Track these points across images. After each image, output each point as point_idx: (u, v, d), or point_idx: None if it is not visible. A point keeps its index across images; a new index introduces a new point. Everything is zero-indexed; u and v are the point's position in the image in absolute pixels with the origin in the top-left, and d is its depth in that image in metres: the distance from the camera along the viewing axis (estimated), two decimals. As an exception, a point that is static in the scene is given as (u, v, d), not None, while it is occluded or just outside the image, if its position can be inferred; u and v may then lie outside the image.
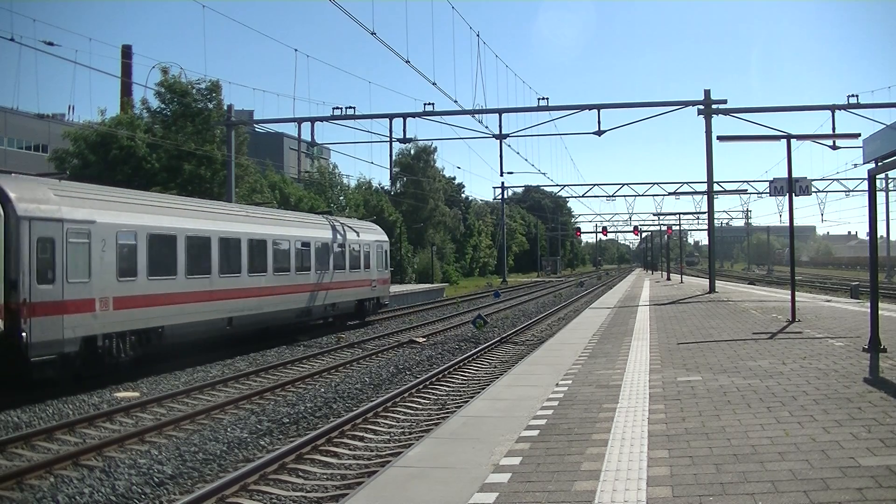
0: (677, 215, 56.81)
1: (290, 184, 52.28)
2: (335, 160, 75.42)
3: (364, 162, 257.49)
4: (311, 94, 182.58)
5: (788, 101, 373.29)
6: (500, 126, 28.75)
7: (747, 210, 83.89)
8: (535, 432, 6.90)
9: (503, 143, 29.48)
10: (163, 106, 35.79)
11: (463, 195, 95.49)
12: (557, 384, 9.51)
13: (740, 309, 21.56)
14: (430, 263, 62.76)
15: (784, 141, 16.88)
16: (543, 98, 28.25)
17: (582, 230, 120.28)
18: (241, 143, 35.55)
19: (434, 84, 25.90)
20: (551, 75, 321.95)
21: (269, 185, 45.45)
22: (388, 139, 28.48)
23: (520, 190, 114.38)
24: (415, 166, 75.05)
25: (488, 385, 11.60)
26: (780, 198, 44.90)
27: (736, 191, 59.49)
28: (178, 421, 11.10)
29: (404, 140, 28.94)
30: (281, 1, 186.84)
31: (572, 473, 5.52)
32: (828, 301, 25.89)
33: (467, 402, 10.40)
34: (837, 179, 61.35)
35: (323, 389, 13.87)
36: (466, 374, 15.57)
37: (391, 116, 28.17)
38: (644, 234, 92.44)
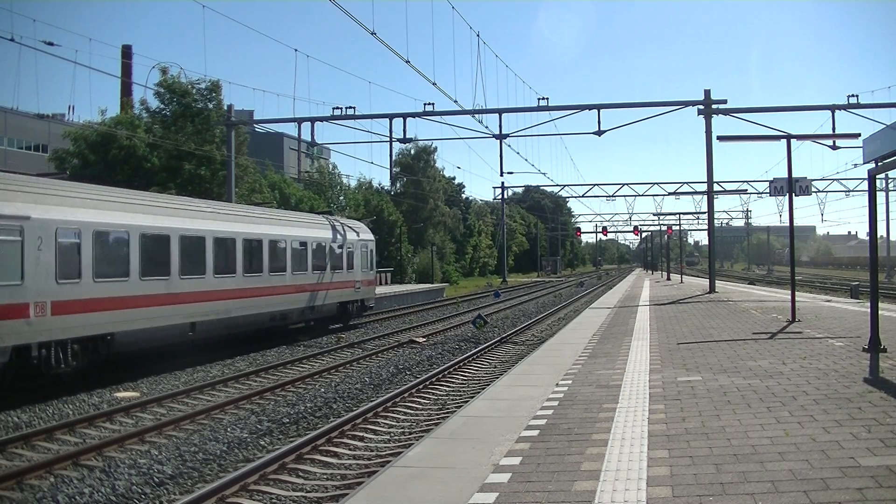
0: (677, 215, 56.84)
1: (290, 184, 52.30)
2: (335, 160, 75.48)
3: (364, 162, 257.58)
4: (311, 94, 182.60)
5: (788, 101, 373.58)
6: (500, 126, 28.79)
7: (747, 210, 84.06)
8: (535, 432, 6.90)
9: (503, 143, 29.50)
10: (162, 106, 35.81)
11: (463, 195, 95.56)
12: (557, 384, 9.50)
13: (740, 309, 21.56)
14: (430, 263, 62.76)
15: (784, 141, 16.88)
16: (543, 98, 28.29)
17: (582, 230, 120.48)
18: (241, 144, 35.57)
19: (434, 84, 25.96)
20: (551, 75, 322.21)
21: (269, 185, 45.45)
22: (388, 139, 28.50)
23: (520, 190, 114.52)
24: (415, 166, 75.09)
25: (488, 385, 11.59)
26: (780, 198, 44.94)
27: (736, 191, 59.54)
28: (178, 421, 11.09)
29: (404, 140, 28.95)
30: (281, 1, 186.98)
31: (572, 473, 5.52)
32: (828, 301, 25.89)
33: (467, 402, 10.39)
34: (837, 179, 61.44)
35: (323, 389, 13.86)
36: (466, 374, 15.57)
37: (391, 116, 28.18)
38: (644, 234, 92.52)
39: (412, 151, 74.86)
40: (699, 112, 28.32)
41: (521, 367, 11.84)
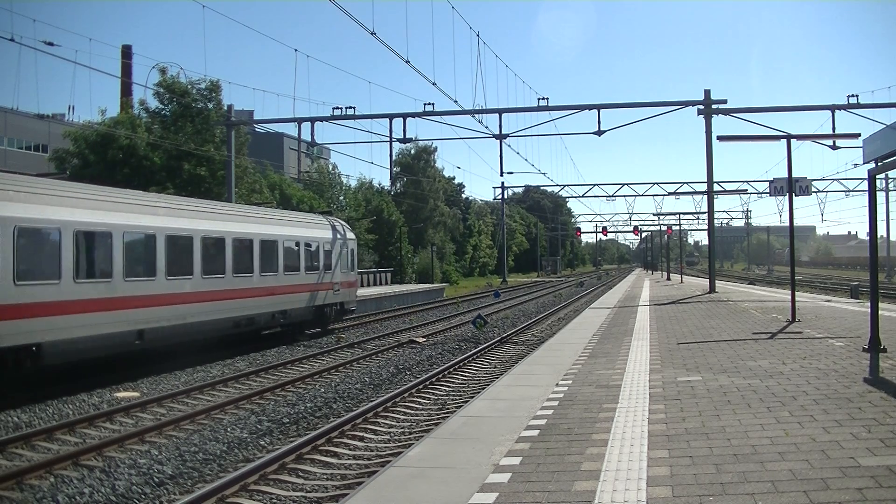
0: (677, 215, 56.85)
1: (289, 184, 52.31)
2: (335, 160, 75.51)
3: (364, 162, 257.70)
4: (311, 94, 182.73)
5: (788, 101, 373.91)
6: (500, 126, 28.79)
7: (747, 210, 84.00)
8: (535, 432, 6.90)
9: (503, 143, 29.51)
10: (161, 106, 35.82)
11: (463, 195, 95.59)
12: (557, 384, 9.50)
13: (740, 309, 21.56)
14: (430, 263, 62.77)
15: (784, 141, 16.88)
16: (543, 98, 28.29)
17: (582, 230, 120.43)
18: (241, 145, 35.58)
19: (434, 84, 25.94)
20: (551, 75, 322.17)
21: (269, 186, 45.45)
22: (388, 139, 28.50)
23: (520, 190, 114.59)
24: (415, 166, 75.13)
25: (488, 385, 11.60)
26: (780, 198, 44.92)
27: (736, 191, 59.54)
28: (178, 421, 11.09)
29: (404, 140, 28.94)
30: (281, 1, 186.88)
31: (572, 473, 5.52)
32: (828, 301, 25.89)
33: (467, 402, 10.39)
34: (837, 179, 61.39)
35: (323, 389, 13.87)
36: (466, 374, 15.57)
37: (391, 116, 28.18)
38: (644, 234, 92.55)
39: (412, 151, 74.94)
40: (699, 112, 28.32)
41: (521, 367, 11.84)
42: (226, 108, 32.35)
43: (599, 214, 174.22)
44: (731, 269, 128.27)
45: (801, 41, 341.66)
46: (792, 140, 16.87)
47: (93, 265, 14.32)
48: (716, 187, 35.24)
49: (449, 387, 14.16)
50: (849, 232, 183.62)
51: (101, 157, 32.89)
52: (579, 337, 15.49)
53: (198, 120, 35.05)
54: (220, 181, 33.55)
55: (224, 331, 18.28)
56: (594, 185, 61.67)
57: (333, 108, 28.42)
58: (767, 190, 44.93)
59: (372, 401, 12.45)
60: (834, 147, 26.71)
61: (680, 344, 13.29)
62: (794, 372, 9.53)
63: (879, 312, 11.23)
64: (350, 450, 9.65)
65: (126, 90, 43.38)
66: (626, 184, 60.25)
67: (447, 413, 11.22)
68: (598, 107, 27.98)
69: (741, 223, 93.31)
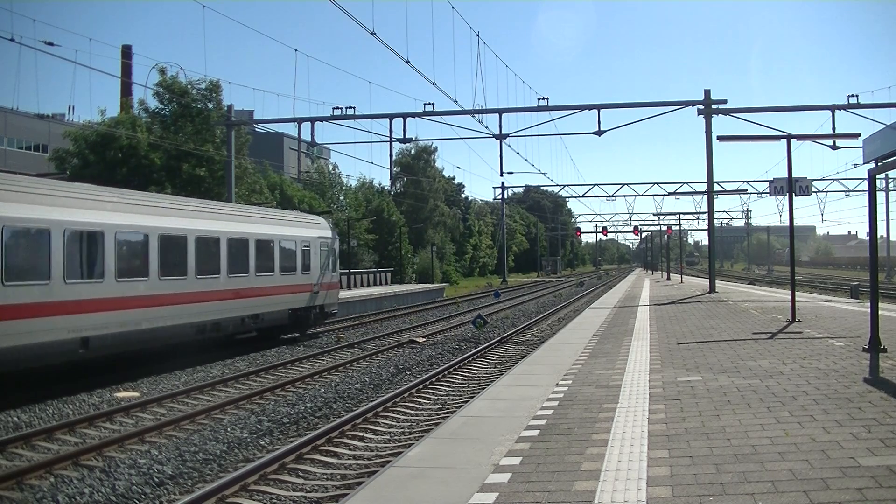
0: (677, 215, 56.92)
1: (289, 184, 52.32)
2: (335, 160, 75.50)
3: (364, 162, 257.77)
4: (311, 94, 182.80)
5: (788, 101, 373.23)
6: (500, 126, 28.80)
7: (747, 210, 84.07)
8: (535, 432, 6.90)
9: (503, 143, 29.52)
10: (161, 106, 35.82)
11: (463, 195, 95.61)
12: (557, 384, 9.50)
13: (740, 309, 21.56)
14: (430, 263, 62.78)
15: (784, 141, 16.88)
16: (543, 98, 28.30)
17: (582, 230, 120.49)
18: (242, 145, 35.58)
19: (434, 84, 25.98)
20: (551, 75, 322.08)
21: (269, 186, 45.46)
22: (388, 139, 28.51)
23: (520, 190, 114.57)
24: (415, 166, 75.13)
25: (488, 385, 11.60)
26: (780, 198, 44.94)
27: (736, 191, 59.58)
28: (178, 421, 11.09)
29: (404, 140, 28.95)
30: (281, 1, 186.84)
31: (572, 473, 5.52)
32: (828, 301, 25.89)
33: (467, 402, 10.40)
34: (837, 179, 61.50)
35: (323, 389, 13.87)
36: (466, 374, 15.57)
37: (391, 116, 28.19)
38: (644, 234, 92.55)
39: (412, 151, 74.94)
40: (699, 112, 28.33)
41: (521, 367, 11.85)
42: (226, 108, 32.37)
43: (599, 214, 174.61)
44: (731, 269, 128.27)
45: (801, 41, 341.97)
46: (792, 140, 16.87)
47: (27, 266, 12.84)
48: (716, 187, 35.25)
49: (449, 387, 14.16)
50: (849, 232, 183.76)
51: (101, 158, 32.89)
52: (579, 337, 15.50)
53: (198, 120, 35.05)
54: (220, 181, 33.56)
55: (186, 337, 16.77)
56: (594, 185, 61.78)
57: (333, 108, 28.46)
58: (767, 190, 44.95)
59: (372, 401, 12.45)
60: (834, 147, 26.74)
61: (680, 344, 13.29)
62: (794, 372, 9.53)
63: (879, 312, 11.22)
64: (350, 450, 9.65)
65: (126, 90, 43.39)
66: (626, 184, 60.36)
67: (447, 413, 11.23)
68: (598, 107, 27.99)
69: (741, 223, 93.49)
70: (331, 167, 64.83)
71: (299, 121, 28.90)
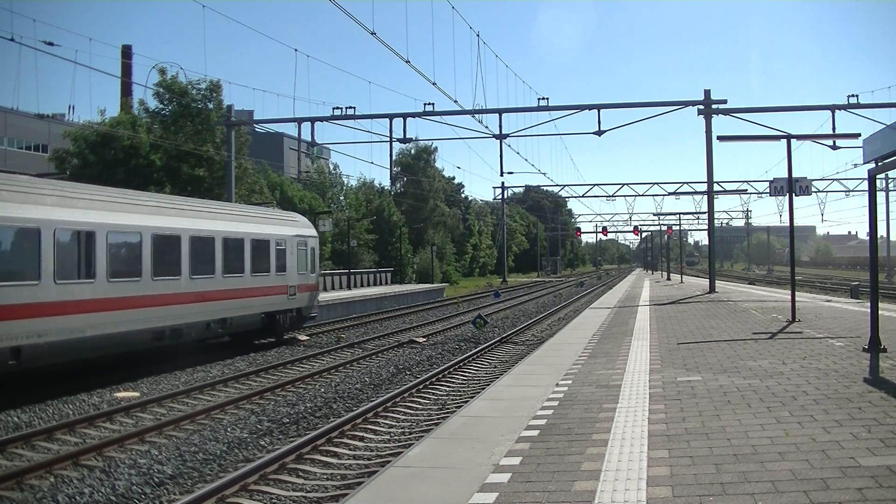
0: (677, 215, 56.92)
1: (289, 185, 52.32)
2: (336, 160, 75.50)
3: (364, 162, 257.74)
4: (311, 94, 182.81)
5: (788, 101, 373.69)
6: (500, 126, 28.81)
7: (747, 210, 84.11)
8: (535, 432, 6.90)
9: (503, 143, 29.53)
10: (161, 106, 35.81)
11: (463, 195, 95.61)
12: (557, 384, 9.50)
13: (740, 309, 21.56)
14: (430, 263, 62.79)
15: (784, 141, 16.88)
16: (543, 98, 28.31)
17: (582, 230, 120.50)
18: (242, 145, 35.58)
19: (434, 84, 25.99)
20: (551, 75, 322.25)
21: (269, 186, 45.47)
22: (388, 139, 28.53)
23: (520, 190, 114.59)
24: (415, 166, 75.13)
25: (488, 385, 11.60)
26: (780, 198, 44.96)
27: (736, 191, 59.62)
28: (178, 421, 11.09)
29: (404, 140, 28.97)
30: (281, 1, 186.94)
31: (572, 473, 5.52)
32: (828, 301, 25.89)
33: (467, 402, 10.40)
34: (837, 179, 61.56)
35: (323, 389, 13.87)
36: (466, 374, 15.57)
37: (391, 116, 28.20)
38: (644, 234, 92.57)
39: (412, 151, 74.90)
40: (699, 112, 28.33)
41: (521, 367, 11.84)
42: (226, 108, 32.37)
43: (599, 214, 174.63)
44: (731, 269, 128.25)
45: (801, 41, 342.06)
46: (792, 140, 16.87)
47: None
48: (716, 187, 35.25)
49: (449, 387, 14.16)
50: (849, 232, 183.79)
51: (101, 158, 32.89)
52: (579, 337, 15.49)
53: (197, 120, 35.05)
54: (220, 181, 33.56)
55: (141, 344, 15.40)
56: (594, 185, 61.87)
57: (333, 108, 28.48)
58: (767, 190, 44.97)
59: (372, 401, 12.45)
60: (834, 147, 26.74)
61: (680, 344, 13.29)
62: (794, 372, 9.53)
63: (879, 312, 11.23)
64: (350, 450, 9.65)
65: (126, 90, 43.37)
66: (626, 184, 60.42)
67: (447, 413, 11.22)
68: (598, 107, 27.99)
69: (741, 223, 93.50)
70: (331, 167, 64.85)
71: (299, 121, 28.91)
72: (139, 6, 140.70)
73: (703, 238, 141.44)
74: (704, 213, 40.69)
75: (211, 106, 35.60)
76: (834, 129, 27.39)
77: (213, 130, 35.02)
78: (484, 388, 11.20)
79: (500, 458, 6.04)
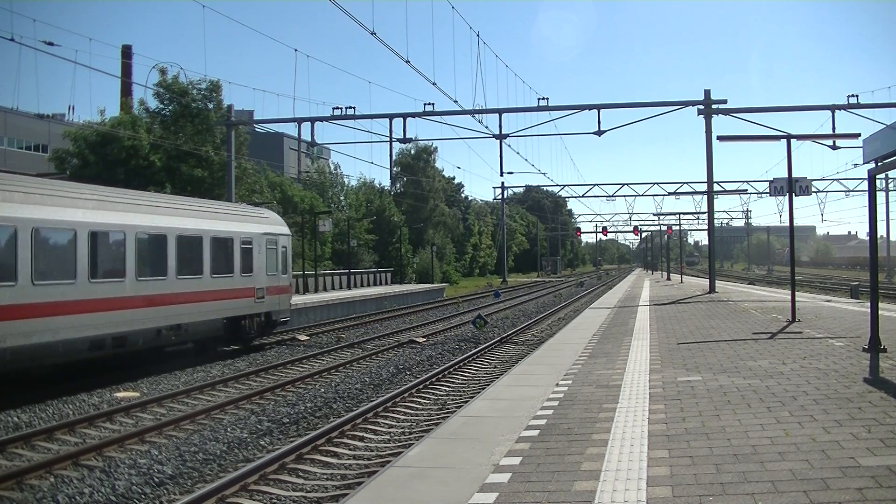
0: (677, 215, 56.96)
1: (289, 185, 52.34)
2: (336, 160, 75.51)
3: (364, 162, 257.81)
4: (311, 94, 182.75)
5: (788, 101, 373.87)
6: (500, 126, 28.80)
7: (747, 210, 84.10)
8: (535, 432, 6.90)
9: (503, 143, 29.52)
10: (161, 106, 35.83)
11: (463, 195, 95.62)
12: (557, 384, 9.50)
13: (740, 309, 21.56)
14: (430, 263, 62.78)
15: (784, 141, 16.88)
16: (543, 98, 28.32)
17: (582, 230, 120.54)
18: (241, 144, 35.60)
19: (434, 84, 26.00)
20: (551, 75, 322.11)
21: (269, 186, 45.48)
22: (388, 139, 28.53)
23: (520, 190, 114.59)
24: (415, 166, 75.12)
25: (488, 385, 11.60)
26: (780, 198, 44.93)
27: (736, 191, 59.62)
28: (178, 421, 11.10)
29: (404, 140, 28.97)
30: (281, 1, 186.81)
31: (572, 473, 5.52)
32: (828, 301, 25.89)
33: (467, 402, 10.40)
34: (837, 179, 61.54)
35: (323, 389, 13.87)
36: (466, 374, 15.57)
37: (391, 116, 28.19)
38: (644, 235, 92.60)
39: (412, 151, 74.88)
40: (699, 112, 28.34)
41: (521, 367, 11.84)
42: (226, 108, 32.37)
43: (599, 214, 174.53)
44: (731, 269, 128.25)
45: (801, 41, 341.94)
46: (792, 140, 16.87)
47: None
48: (716, 187, 35.28)
49: (449, 387, 14.16)
50: (849, 232, 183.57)
51: (101, 158, 32.89)
52: (579, 337, 15.49)
53: (197, 120, 35.05)
54: (220, 182, 33.56)
55: (76, 355, 13.86)
56: (594, 185, 61.88)
57: (333, 108, 28.48)
58: (767, 190, 44.94)
59: (372, 401, 12.45)
60: (834, 147, 26.75)
61: (680, 344, 13.29)
62: (794, 372, 9.53)
63: (879, 312, 11.23)
64: (350, 450, 9.65)
65: (126, 90, 43.40)
66: (626, 184, 60.44)
67: (447, 413, 11.23)
68: (598, 107, 28.00)
69: (741, 223, 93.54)
70: (332, 167, 64.85)
71: (299, 121, 28.91)
72: (139, 6, 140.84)
73: (703, 238, 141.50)
74: (704, 213, 40.70)
75: (211, 106, 35.62)
76: (834, 129, 27.40)
77: (212, 130, 35.04)
78: (484, 388, 11.20)
79: (500, 458, 6.04)
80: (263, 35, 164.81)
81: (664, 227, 64.59)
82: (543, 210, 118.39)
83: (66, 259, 13.68)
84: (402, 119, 28.09)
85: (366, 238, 56.09)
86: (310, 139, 29.03)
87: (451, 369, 15.71)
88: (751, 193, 59.35)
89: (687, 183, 67.51)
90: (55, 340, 13.14)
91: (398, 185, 73.90)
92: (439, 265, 68.41)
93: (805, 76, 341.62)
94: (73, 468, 8.90)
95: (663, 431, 6.66)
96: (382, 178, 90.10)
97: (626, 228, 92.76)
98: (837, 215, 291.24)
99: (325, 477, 8.54)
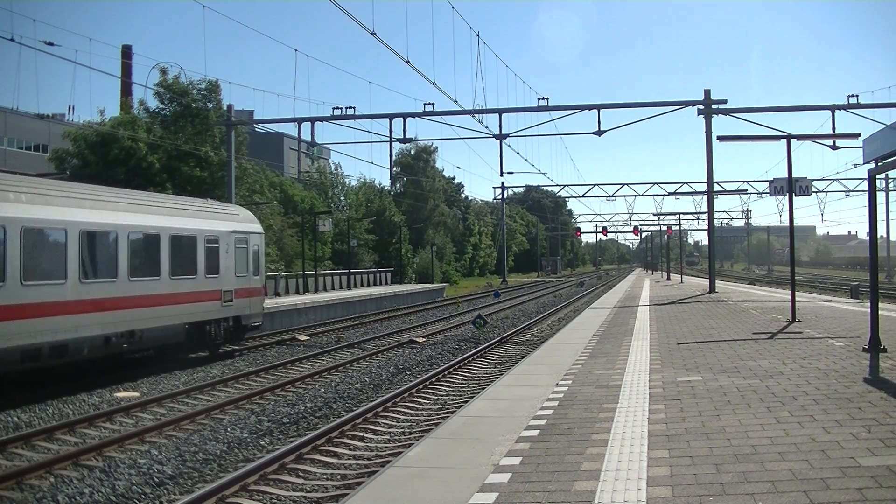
0: (677, 215, 56.95)
1: (290, 185, 52.35)
2: (336, 160, 75.52)
3: (364, 162, 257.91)
4: (311, 94, 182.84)
5: (788, 101, 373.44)
6: (500, 126, 28.82)
7: (747, 210, 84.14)
8: (535, 432, 6.90)
9: (503, 143, 29.53)
10: (161, 106, 35.82)
11: (463, 195, 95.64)
12: (557, 384, 9.50)
13: (740, 309, 21.56)
14: (430, 263, 62.79)
15: (784, 141, 16.88)
16: (543, 98, 28.32)
17: (582, 230, 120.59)
18: (240, 144, 35.59)
19: (434, 84, 25.92)
20: (551, 75, 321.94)
21: (270, 185, 45.46)
22: (388, 139, 28.54)
23: (520, 190, 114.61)
24: (415, 166, 75.17)
25: (488, 385, 11.60)
26: (780, 198, 44.96)
27: (736, 191, 59.66)
28: (178, 421, 11.10)
29: (404, 140, 28.98)
30: (281, 1, 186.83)
31: (572, 473, 5.52)
32: (828, 301, 25.88)
33: (467, 402, 10.40)
34: (837, 179, 61.57)
35: (323, 389, 13.87)
36: (466, 374, 15.57)
37: (391, 116, 28.20)
38: (644, 235, 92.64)
39: (412, 151, 74.94)
40: (699, 112, 28.33)
41: (521, 367, 11.85)
42: (225, 108, 32.36)
43: (599, 214, 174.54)
44: (731, 269, 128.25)
45: (801, 41, 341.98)
46: (792, 140, 16.87)
47: None
48: (716, 187, 35.28)
49: (449, 387, 14.16)
50: (849, 232, 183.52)
51: (101, 158, 32.88)
52: (579, 337, 15.49)
53: (197, 120, 35.05)
54: (220, 182, 33.56)
55: (7, 366, 12.35)
56: (594, 185, 61.94)
57: (333, 108, 28.48)
58: (767, 190, 44.96)
59: (372, 401, 12.45)
60: (834, 147, 26.75)
61: (680, 344, 13.29)
62: (794, 372, 9.53)
63: (879, 312, 11.23)
64: (350, 450, 9.66)
65: (126, 90, 43.39)
66: (626, 184, 60.48)
67: (447, 413, 11.23)
68: (598, 107, 28.00)
69: (741, 223, 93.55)
70: (333, 167, 64.85)
71: (299, 121, 28.92)
72: (139, 6, 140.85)
73: (703, 238, 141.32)
74: (704, 213, 40.71)
75: (210, 106, 35.61)
76: (834, 129, 27.40)
77: (212, 130, 35.03)
78: (484, 388, 11.20)
79: (500, 458, 6.04)
80: (263, 35, 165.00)
81: (664, 228, 64.66)
82: (543, 210, 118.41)
83: None
84: (402, 119, 28.11)
85: (366, 238, 56.11)
86: (310, 139, 29.04)
87: (451, 369, 15.71)
88: (751, 193, 59.46)
89: (687, 183, 67.49)
90: None
91: (398, 185, 73.95)
92: (439, 265, 68.43)
93: (805, 76, 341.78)
94: (73, 468, 8.91)
95: (663, 431, 6.66)
96: (382, 178, 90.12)
97: (626, 228, 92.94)
98: (837, 215, 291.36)
99: (325, 477, 8.54)
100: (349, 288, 43.44)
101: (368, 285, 47.99)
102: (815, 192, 59.30)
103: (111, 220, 14.67)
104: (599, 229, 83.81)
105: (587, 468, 5.63)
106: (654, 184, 60.57)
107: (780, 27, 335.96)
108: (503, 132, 28.79)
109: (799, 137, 18.28)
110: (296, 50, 56.64)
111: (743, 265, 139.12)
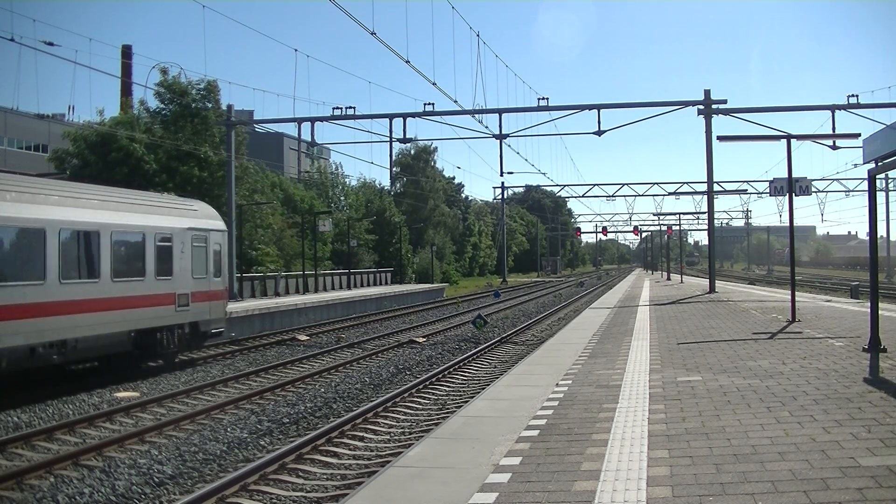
0: (677, 215, 56.94)
1: (290, 184, 52.36)
2: (336, 160, 75.52)
3: (364, 162, 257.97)
4: (311, 94, 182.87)
5: (788, 101, 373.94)
6: (500, 126, 28.86)
7: (747, 210, 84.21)
8: (535, 432, 6.89)
9: (503, 143, 29.56)
10: (162, 106, 35.83)
11: (463, 195, 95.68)
12: (557, 384, 9.50)
13: (740, 309, 21.56)
14: (430, 263, 62.79)
15: (784, 141, 16.88)
16: (543, 98, 28.36)
17: (582, 230, 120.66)
18: (239, 144, 35.60)
19: (434, 84, 25.94)
20: (551, 75, 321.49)
21: (271, 185, 45.46)
22: (388, 139, 28.59)
23: (520, 190, 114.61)
24: (415, 166, 75.20)
25: (488, 385, 11.60)
26: (780, 198, 44.97)
27: (736, 191, 59.70)
28: (178, 421, 11.10)
29: (404, 140, 29.03)
30: (281, 1, 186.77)
31: (572, 473, 5.52)
32: (828, 301, 25.88)
33: (467, 402, 10.40)
34: (837, 179, 61.61)
35: (323, 389, 13.87)
36: (466, 374, 15.57)
37: (391, 116, 28.23)
38: (644, 235, 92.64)
39: (412, 151, 74.99)
40: (699, 112, 28.35)
41: (521, 367, 11.85)
42: (224, 108, 32.37)
43: (599, 214, 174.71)
44: (731, 269, 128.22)
45: (801, 41, 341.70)
46: (792, 140, 16.87)
47: None
48: (716, 187, 35.29)
49: (449, 387, 14.17)
50: (849, 232, 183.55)
51: (101, 158, 32.89)
52: (579, 337, 15.49)
53: (197, 120, 35.06)
54: (220, 182, 33.55)
55: None
56: (594, 185, 62.01)
57: (333, 108, 28.52)
58: (767, 190, 44.97)
59: (372, 401, 12.45)
60: (834, 147, 26.77)
61: (680, 344, 13.29)
62: (794, 372, 9.53)
63: (879, 312, 11.23)
64: (350, 450, 9.66)
65: (126, 90, 43.40)
66: (626, 184, 60.53)
67: (447, 413, 11.22)
68: (598, 107, 28.03)
69: (741, 223, 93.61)
70: (333, 167, 64.86)
71: (299, 121, 28.94)
72: (139, 6, 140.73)
73: (703, 238, 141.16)
74: (704, 213, 40.70)
75: (209, 106, 35.62)
76: (834, 129, 27.44)
77: (211, 130, 35.03)
78: (484, 388, 11.20)
79: (500, 458, 6.04)
80: (263, 35, 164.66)
81: (664, 228, 64.67)
82: (543, 210, 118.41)
83: None
84: (402, 119, 28.14)
85: (366, 238, 56.11)
86: (310, 139, 29.06)
87: (451, 369, 15.72)
88: (751, 193, 59.52)
89: (687, 183, 67.58)
90: None
91: (398, 185, 73.97)
92: (439, 265, 68.44)
93: (805, 76, 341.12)
94: (73, 468, 8.90)
95: (663, 431, 6.66)
96: (382, 178, 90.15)
97: (626, 228, 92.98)
98: (837, 215, 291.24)
99: (325, 477, 8.54)
100: (349, 288, 43.44)
101: (368, 285, 47.99)
102: (815, 192, 59.38)
103: (38, 216, 12.85)
104: (599, 229, 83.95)
105: (587, 468, 5.63)
106: (654, 184, 60.68)
107: (780, 27, 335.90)
108: (503, 132, 28.83)
109: (799, 137, 18.28)
110: (296, 50, 56.69)
111: (743, 265, 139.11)
